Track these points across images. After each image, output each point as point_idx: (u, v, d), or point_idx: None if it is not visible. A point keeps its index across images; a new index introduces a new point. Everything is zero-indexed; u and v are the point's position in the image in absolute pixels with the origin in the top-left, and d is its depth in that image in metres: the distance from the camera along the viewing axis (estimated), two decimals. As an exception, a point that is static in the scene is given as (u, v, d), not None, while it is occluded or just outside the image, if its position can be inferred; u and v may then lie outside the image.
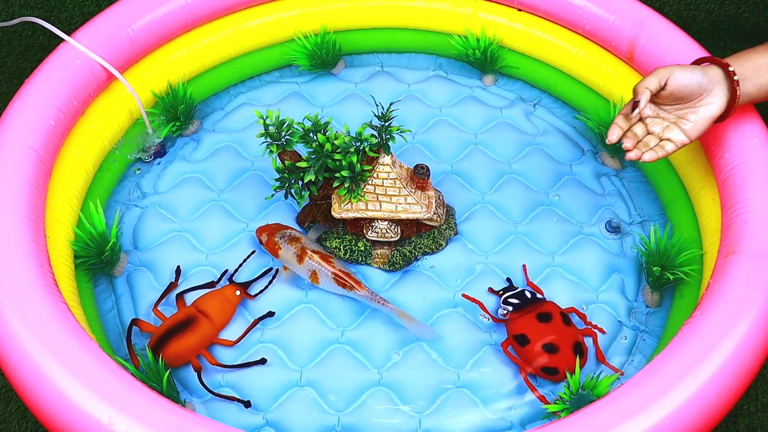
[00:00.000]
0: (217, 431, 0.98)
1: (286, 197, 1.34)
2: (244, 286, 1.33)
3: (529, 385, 1.23)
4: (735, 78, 1.14)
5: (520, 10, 1.59)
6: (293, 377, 1.25)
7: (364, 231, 1.35)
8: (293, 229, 1.38)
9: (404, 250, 1.36)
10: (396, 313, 1.26)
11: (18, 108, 1.27)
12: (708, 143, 1.29)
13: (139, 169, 1.52)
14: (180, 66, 1.54)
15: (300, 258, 1.31)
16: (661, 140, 1.18)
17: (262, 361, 1.26)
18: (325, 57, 1.63)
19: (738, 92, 1.14)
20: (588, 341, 1.28)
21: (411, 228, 1.37)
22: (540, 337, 1.23)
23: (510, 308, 1.28)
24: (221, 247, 1.40)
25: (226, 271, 1.36)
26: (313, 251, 1.31)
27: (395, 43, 1.71)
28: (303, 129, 1.28)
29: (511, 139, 1.56)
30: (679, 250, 1.30)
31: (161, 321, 1.28)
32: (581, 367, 1.22)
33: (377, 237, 1.34)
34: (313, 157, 1.28)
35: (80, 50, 1.36)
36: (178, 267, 1.36)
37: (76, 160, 1.37)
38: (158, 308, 1.31)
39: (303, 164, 1.28)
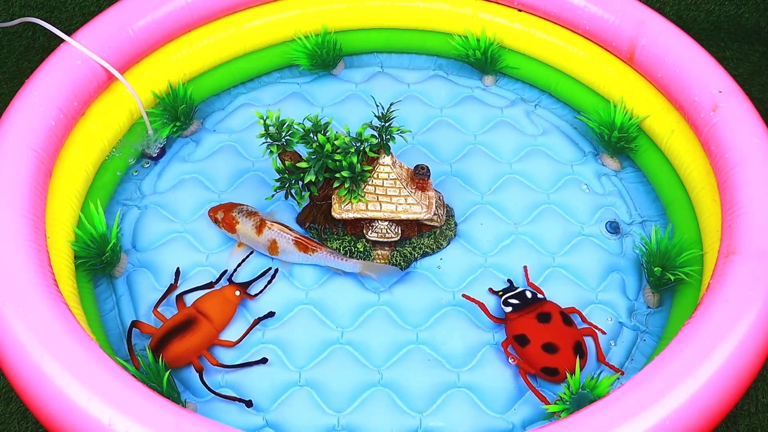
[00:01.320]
0: (217, 431, 0.98)
1: (286, 198, 1.34)
2: (244, 286, 1.32)
3: (529, 385, 1.23)
4: None
5: (520, 10, 1.59)
6: (293, 377, 1.25)
7: (365, 231, 1.35)
8: (248, 206, 1.39)
9: (404, 251, 1.36)
10: (360, 266, 1.28)
11: (18, 108, 1.27)
12: (708, 143, 1.29)
13: (137, 172, 1.52)
14: (180, 66, 1.54)
15: (259, 229, 1.33)
16: None
17: (263, 361, 1.25)
18: (325, 57, 1.63)
19: None
20: (588, 341, 1.28)
21: (411, 228, 1.37)
22: (540, 337, 1.23)
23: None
24: (221, 248, 1.40)
25: (225, 271, 1.36)
26: (272, 222, 1.34)
27: (395, 43, 1.71)
28: (303, 129, 1.28)
29: (512, 140, 1.56)
30: (679, 251, 1.30)
31: (161, 322, 1.28)
32: (581, 368, 1.22)
33: (377, 237, 1.34)
34: (313, 157, 1.28)
35: (80, 50, 1.36)
36: (178, 269, 1.36)
37: (76, 161, 1.37)
38: (158, 309, 1.31)
39: (303, 165, 1.28)
